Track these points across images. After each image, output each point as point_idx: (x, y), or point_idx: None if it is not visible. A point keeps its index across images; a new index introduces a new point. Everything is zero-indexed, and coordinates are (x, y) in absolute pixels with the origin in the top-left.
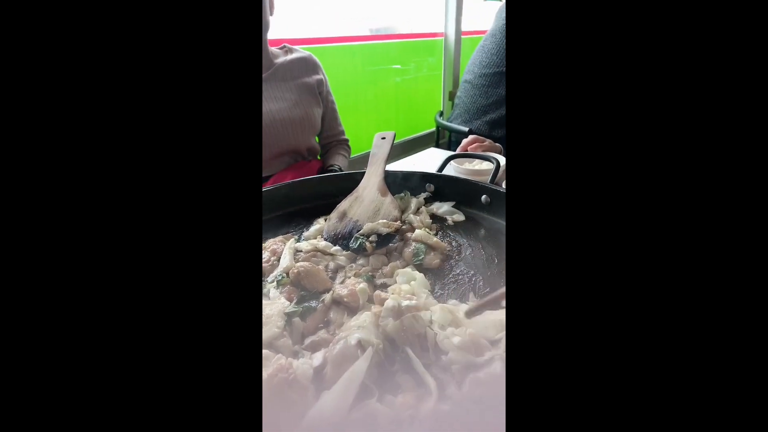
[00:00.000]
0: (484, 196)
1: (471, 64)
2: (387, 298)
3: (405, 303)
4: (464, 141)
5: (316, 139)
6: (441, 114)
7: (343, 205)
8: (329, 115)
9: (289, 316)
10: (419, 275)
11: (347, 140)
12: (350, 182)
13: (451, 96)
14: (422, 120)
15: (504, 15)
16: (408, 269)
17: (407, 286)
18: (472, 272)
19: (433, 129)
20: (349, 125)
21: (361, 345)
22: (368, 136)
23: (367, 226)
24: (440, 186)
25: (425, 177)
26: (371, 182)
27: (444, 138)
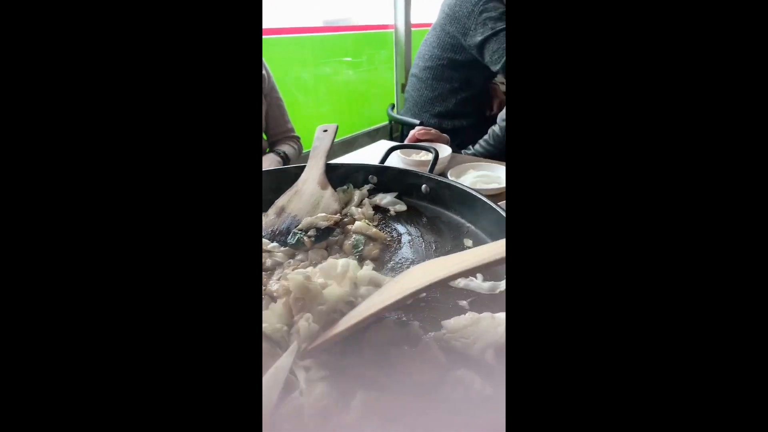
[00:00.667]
0: (424, 186)
1: (417, 58)
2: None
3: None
4: (412, 132)
5: (264, 137)
6: (393, 107)
7: (281, 200)
8: (274, 112)
9: None
10: (353, 262)
11: (298, 137)
12: (292, 178)
13: (403, 88)
14: (376, 113)
15: (445, 6)
16: (344, 260)
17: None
18: (411, 259)
19: (385, 123)
20: (301, 120)
21: (267, 335)
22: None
23: (305, 221)
24: (383, 177)
25: (368, 169)
26: (311, 175)
27: (397, 131)
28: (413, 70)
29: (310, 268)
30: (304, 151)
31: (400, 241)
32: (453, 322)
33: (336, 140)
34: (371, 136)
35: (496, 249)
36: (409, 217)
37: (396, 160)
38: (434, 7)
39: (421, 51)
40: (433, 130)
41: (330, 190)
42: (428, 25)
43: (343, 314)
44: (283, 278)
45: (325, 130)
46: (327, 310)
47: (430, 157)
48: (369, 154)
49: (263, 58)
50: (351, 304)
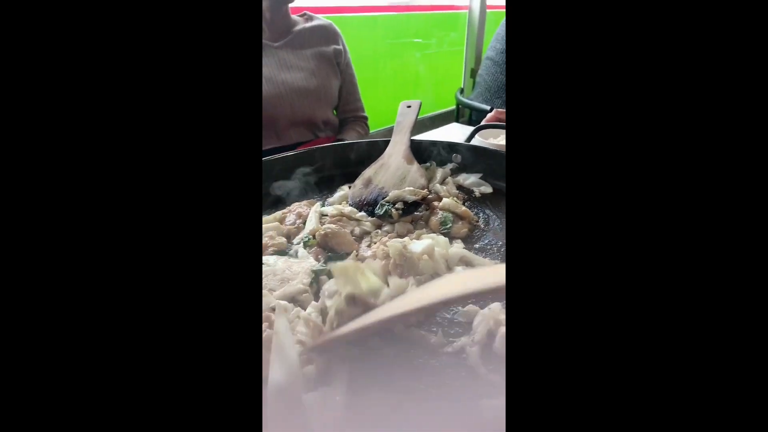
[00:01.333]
0: None
1: (494, 41)
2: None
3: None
4: (488, 116)
5: (334, 112)
6: (462, 91)
7: (368, 172)
8: (347, 88)
9: (316, 273)
10: (443, 239)
11: (366, 117)
12: (375, 151)
13: (473, 73)
14: (442, 97)
15: None
16: (434, 235)
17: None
18: (500, 243)
19: (453, 107)
20: (367, 99)
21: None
22: (386, 111)
23: (393, 193)
24: (467, 157)
25: (452, 147)
26: (397, 150)
27: (464, 116)
28: (489, 52)
29: (406, 238)
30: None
31: (488, 223)
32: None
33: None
34: (436, 121)
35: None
36: (495, 200)
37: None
38: None
39: (499, 32)
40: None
41: (416, 165)
42: (503, 7)
43: None
44: (381, 244)
45: (409, 106)
46: (424, 281)
47: None
48: (441, 137)
49: (341, 34)
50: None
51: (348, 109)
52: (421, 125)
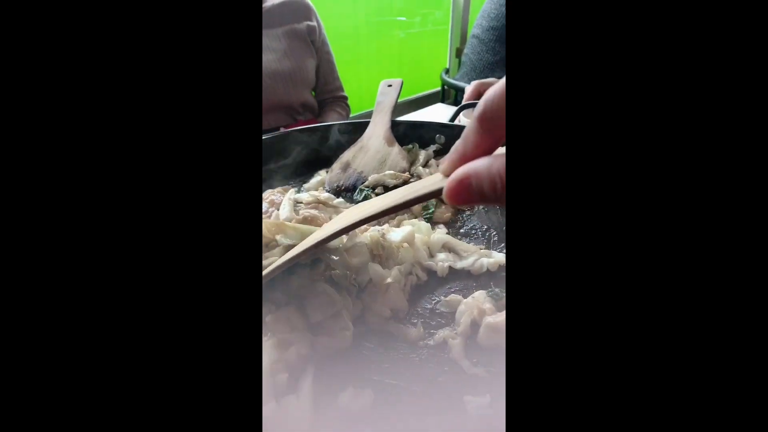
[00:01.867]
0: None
1: (480, 17)
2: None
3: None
4: (468, 89)
5: (312, 93)
6: (447, 71)
7: (346, 155)
8: (325, 68)
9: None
10: (425, 225)
11: (345, 97)
12: (355, 132)
13: (458, 53)
14: (427, 78)
15: None
16: (415, 220)
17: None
18: (485, 227)
19: (438, 88)
20: (349, 80)
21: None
22: (369, 93)
23: (372, 178)
24: (451, 138)
25: (435, 128)
26: (377, 132)
27: (450, 98)
28: (474, 30)
29: (385, 226)
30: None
31: (472, 207)
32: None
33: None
34: (422, 102)
35: (435, 179)
36: None
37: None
38: None
39: (485, 9)
40: (491, 79)
41: (397, 147)
42: None
43: (419, 279)
44: (360, 232)
45: (390, 85)
46: (404, 272)
47: None
48: (425, 117)
49: (315, 9)
50: (429, 269)
51: (327, 89)
52: (405, 106)
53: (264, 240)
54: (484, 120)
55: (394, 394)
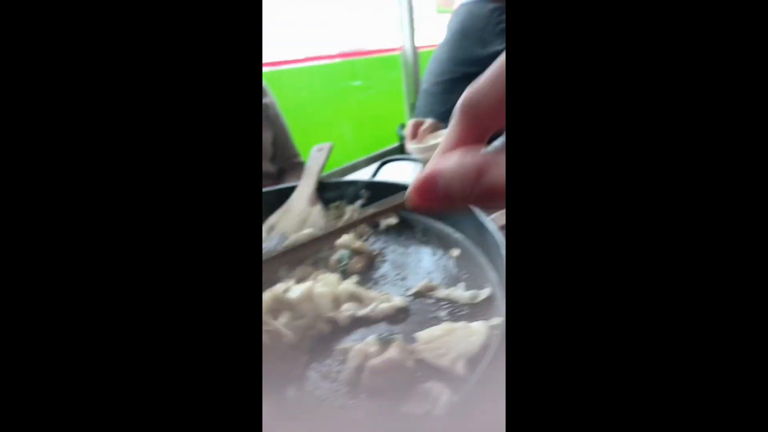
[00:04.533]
0: None
1: (426, 74)
2: None
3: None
4: (407, 127)
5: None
6: (403, 126)
7: (272, 218)
8: (281, 138)
9: None
10: (333, 277)
11: (302, 163)
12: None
13: (413, 108)
14: (388, 135)
15: (453, 23)
16: (327, 275)
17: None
18: (396, 272)
19: (398, 143)
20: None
21: None
22: (333, 157)
23: (291, 238)
24: (377, 192)
25: (359, 184)
26: (302, 194)
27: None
28: (423, 86)
29: (290, 283)
30: None
31: (384, 255)
32: (425, 334)
33: (347, 163)
34: (383, 157)
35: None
36: (400, 230)
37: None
38: (437, 28)
39: (430, 67)
40: (426, 120)
41: (318, 206)
42: (434, 46)
43: (321, 331)
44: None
45: (320, 150)
46: (305, 324)
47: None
48: (384, 174)
49: (268, 86)
50: (331, 321)
51: (284, 157)
52: (365, 163)
53: None
54: (467, 107)
55: None
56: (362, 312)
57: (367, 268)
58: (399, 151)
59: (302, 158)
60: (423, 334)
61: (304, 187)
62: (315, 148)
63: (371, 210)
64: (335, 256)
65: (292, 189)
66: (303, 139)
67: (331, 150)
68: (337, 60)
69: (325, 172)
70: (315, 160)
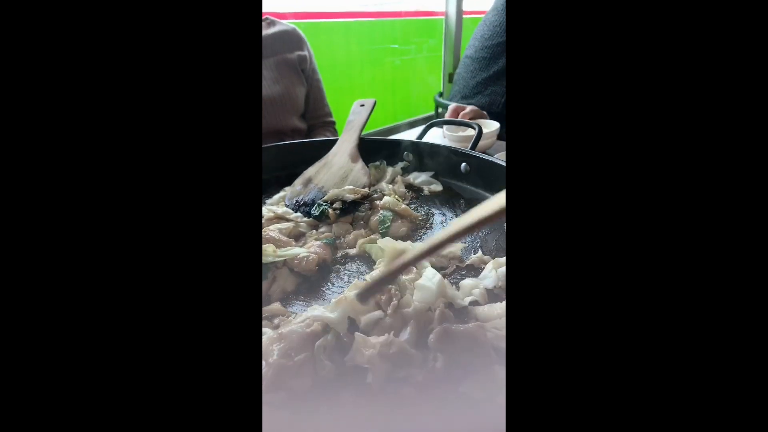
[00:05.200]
0: (463, 164)
1: (473, 39)
2: None
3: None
4: (451, 107)
5: (301, 119)
6: (441, 95)
7: (309, 171)
8: (314, 95)
9: None
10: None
11: (333, 122)
12: (325, 150)
13: (451, 78)
14: (421, 102)
15: None
16: (376, 238)
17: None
18: None
19: (432, 112)
20: (343, 106)
21: None
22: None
23: (331, 192)
24: (421, 155)
25: (403, 144)
26: (343, 148)
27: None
28: (468, 51)
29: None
30: None
31: (429, 221)
32: (486, 309)
33: (380, 128)
34: (417, 124)
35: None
36: (445, 198)
37: (441, 140)
38: None
39: (478, 32)
40: (469, 108)
41: (360, 163)
42: (481, 12)
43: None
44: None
45: (362, 105)
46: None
47: (473, 133)
48: (412, 137)
49: (306, 39)
50: None
51: (316, 115)
52: (399, 130)
53: None
54: None
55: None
56: None
57: (410, 233)
58: (435, 119)
59: (332, 117)
60: (482, 310)
61: (346, 142)
62: (357, 103)
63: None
64: (376, 217)
65: (323, 143)
66: (332, 97)
67: (373, 107)
68: (376, 19)
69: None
70: (357, 116)
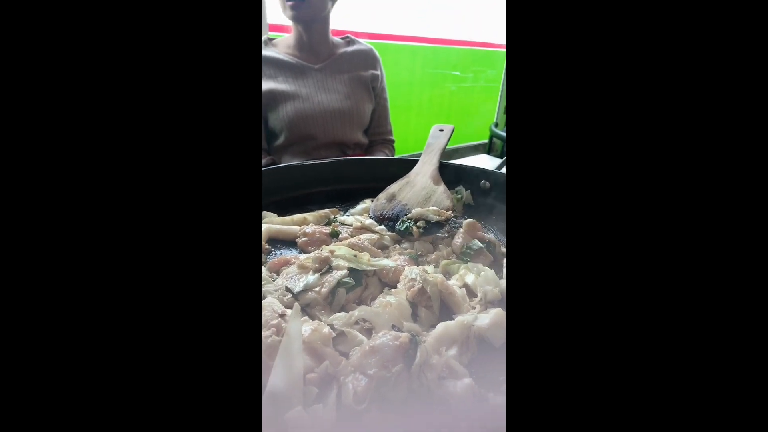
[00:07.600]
0: None
1: None
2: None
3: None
4: None
5: (364, 134)
6: (496, 125)
7: (393, 187)
8: (380, 112)
9: (339, 284)
10: (490, 271)
11: (393, 141)
12: (403, 169)
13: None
14: (473, 129)
15: None
16: (478, 264)
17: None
18: None
19: (484, 141)
20: (399, 124)
21: None
22: (416, 138)
23: (416, 211)
24: (497, 185)
25: (481, 173)
26: (424, 170)
27: (496, 150)
28: None
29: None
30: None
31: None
32: None
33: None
34: (465, 151)
35: None
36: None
37: None
38: None
39: None
40: None
41: (443, 186)
42: None
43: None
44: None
45: (441, 130)
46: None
47: None
48: (465, 163)
49: (380, 59)
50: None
51: (378, 132)
52: (449, 154)
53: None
54: None
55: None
56: None
57: (492, 265)
58: (487, 148)
59: (392, 136)
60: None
61: (427, 164)
62: (436, 127)
63: None
64: (461, 241)
65: (378, 161)
66: (392, 115)
67: (452, 133)
68: (439, 45)
69: (403, 155)
70: (437, 139)
